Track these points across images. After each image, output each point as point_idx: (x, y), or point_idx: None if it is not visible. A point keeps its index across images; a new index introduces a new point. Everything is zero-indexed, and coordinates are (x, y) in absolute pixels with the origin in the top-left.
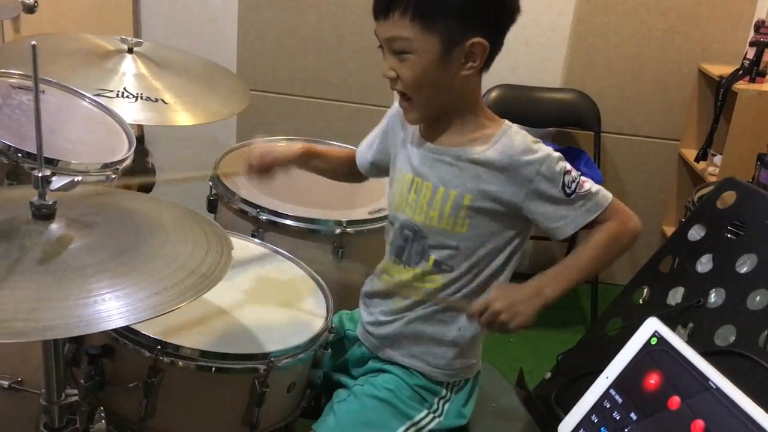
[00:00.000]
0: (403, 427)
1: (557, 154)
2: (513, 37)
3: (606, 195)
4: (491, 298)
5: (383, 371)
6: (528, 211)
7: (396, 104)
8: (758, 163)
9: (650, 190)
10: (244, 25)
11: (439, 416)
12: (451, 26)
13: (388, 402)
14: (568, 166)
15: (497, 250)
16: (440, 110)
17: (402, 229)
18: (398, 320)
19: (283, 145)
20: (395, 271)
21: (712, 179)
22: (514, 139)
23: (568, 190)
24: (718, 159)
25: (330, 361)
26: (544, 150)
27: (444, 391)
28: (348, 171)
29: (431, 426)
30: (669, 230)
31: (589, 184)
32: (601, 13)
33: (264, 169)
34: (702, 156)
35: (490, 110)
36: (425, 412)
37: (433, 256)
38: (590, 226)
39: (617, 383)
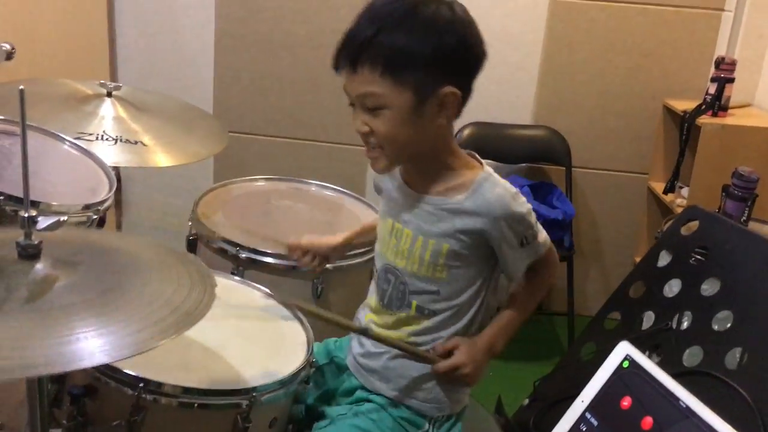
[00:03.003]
0: None
1: (529, 207)
2: (484, 76)
3: (545, 244)
4: (459, 361)
5: (368, 401)
6: (497, 252)
7: None
8: (723, 193)
9: (621, 222)
10: (220, 67)
11: None
12: (421, 78)
13: (368, 431)
14: (533, 219)
15: (477, 292)
16: (410, 158)
17: (385, 272)
18: (386, 353)
19: (325, 239)
20: (380, 313)
21: (680, 210)
22: (492, 192)
23: (524, 242)
24: (685, 191)
25: (314, 391)
26: (523, 208)
27: (427, 425)
28: None
29: None
30: None
31: (541, 236)
32: (568, 52)
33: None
34: (670, 188)
35: (464, 152)
36: None
37: (415, 301)
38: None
39: (593, 406)
